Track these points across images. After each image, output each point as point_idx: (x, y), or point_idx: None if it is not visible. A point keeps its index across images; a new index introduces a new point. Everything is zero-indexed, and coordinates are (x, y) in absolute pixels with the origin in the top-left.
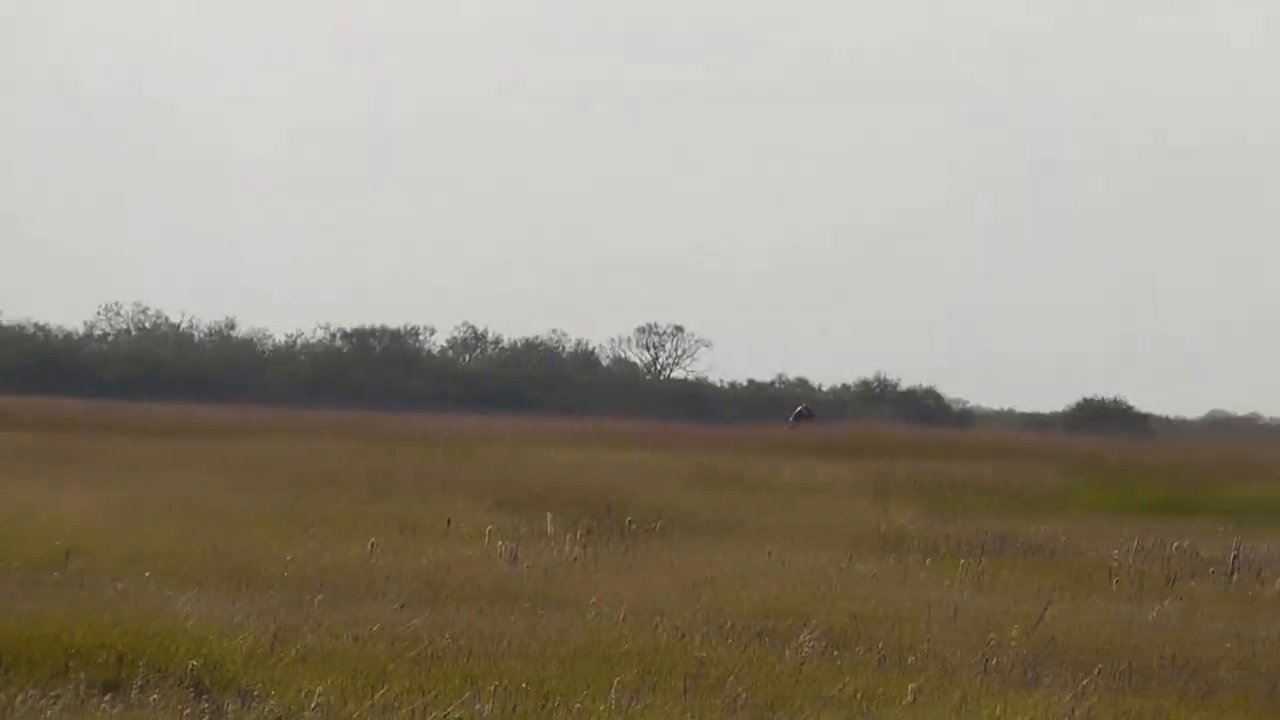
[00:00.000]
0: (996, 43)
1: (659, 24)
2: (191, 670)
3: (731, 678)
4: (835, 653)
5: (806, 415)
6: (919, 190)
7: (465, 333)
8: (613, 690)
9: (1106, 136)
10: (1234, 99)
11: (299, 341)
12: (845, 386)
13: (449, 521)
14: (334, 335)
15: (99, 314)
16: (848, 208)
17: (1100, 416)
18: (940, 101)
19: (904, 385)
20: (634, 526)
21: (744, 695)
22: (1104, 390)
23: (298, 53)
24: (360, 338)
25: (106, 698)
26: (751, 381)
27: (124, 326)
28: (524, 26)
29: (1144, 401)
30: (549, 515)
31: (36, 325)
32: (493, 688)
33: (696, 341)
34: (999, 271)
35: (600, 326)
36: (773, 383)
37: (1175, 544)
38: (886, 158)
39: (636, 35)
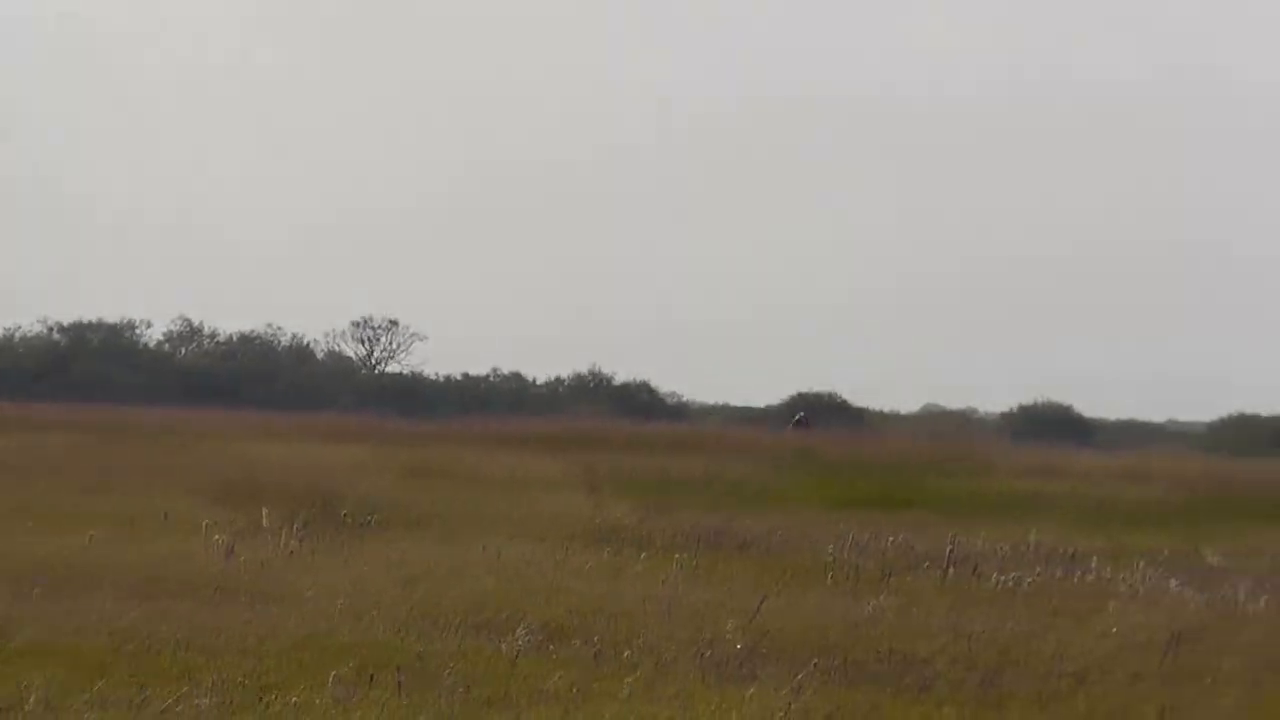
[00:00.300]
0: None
1: None
2: None
3: (447, 671)
4: (551, 647)
5: (805, 423)
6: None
7: (182, 326)
8: (330, 683)
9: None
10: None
11: (17, 335)
12: (559, 380)
13: (166, 515)
14: (51, 329)
15: None
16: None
17: (814, 410)
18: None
19: (618, 379)
20: (350, 520)
21: (460, 689)
22: (818, 384)
23: None
24: (77, 331)
25: None
26: (466, 375)
27: None
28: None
29: (858, 395)
30: (265, 509)
31: None
32: (210, 680)
33: (411, 335)
34: (713, 265)
35: (316, 320)
36: (487, 376)
37: (891, 538)
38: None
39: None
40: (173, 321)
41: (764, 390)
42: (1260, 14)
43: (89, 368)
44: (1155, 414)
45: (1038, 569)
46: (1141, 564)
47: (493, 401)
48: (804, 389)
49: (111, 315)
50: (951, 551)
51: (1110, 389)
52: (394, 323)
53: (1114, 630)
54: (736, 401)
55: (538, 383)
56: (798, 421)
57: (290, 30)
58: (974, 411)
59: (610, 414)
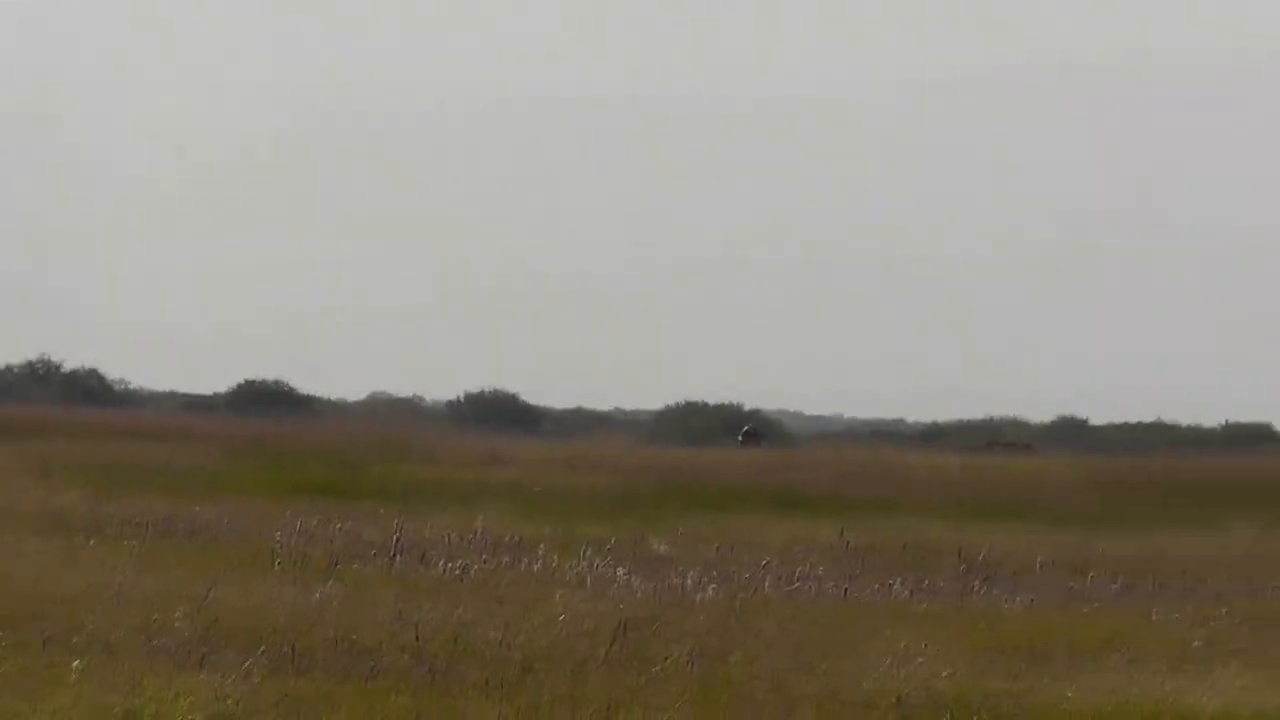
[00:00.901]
0: None
1: None
2: None
3: None
4: (1, 633)
5: (753, 437)
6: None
7: None
8: None
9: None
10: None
11: None
12: (10, 368)
13: None
14: None
15: None
16: None
17: (262, 398)
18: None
19: (67, 367)
20: None
21: None
22: (266, 371)
23: None
24: None
25: None
26: None
27: None
28: None
29: (306, 383)
30: None
31: None
32: None
33: None
34: (158, 240)
35: None
36: None
37: (339, 526)
38: None
39: None
40: None
41: (213, 377)
42: None
43: None
44: (601, 402)
45: (485, 557)
46: (589, 552)
47: None
48: (252, 376)
49: None
50: (398, 539)
51: (557, 377)
52: None
53: (561, 618)
54: (185, 388)
55: None
56: (746, 434)
57: None
58: (421, 399)
59: (59, 401)
